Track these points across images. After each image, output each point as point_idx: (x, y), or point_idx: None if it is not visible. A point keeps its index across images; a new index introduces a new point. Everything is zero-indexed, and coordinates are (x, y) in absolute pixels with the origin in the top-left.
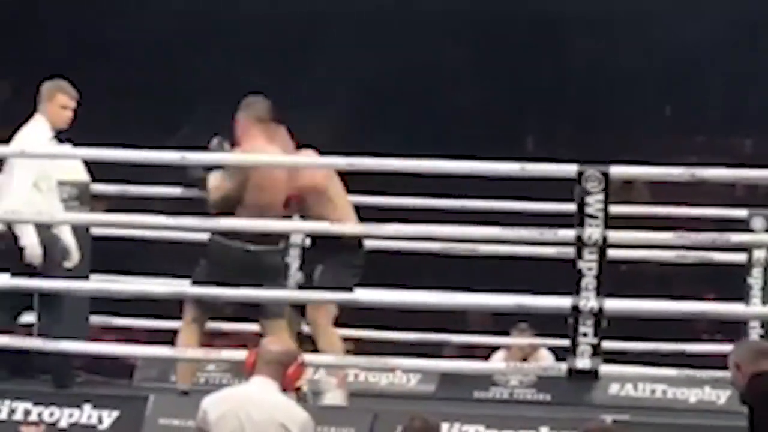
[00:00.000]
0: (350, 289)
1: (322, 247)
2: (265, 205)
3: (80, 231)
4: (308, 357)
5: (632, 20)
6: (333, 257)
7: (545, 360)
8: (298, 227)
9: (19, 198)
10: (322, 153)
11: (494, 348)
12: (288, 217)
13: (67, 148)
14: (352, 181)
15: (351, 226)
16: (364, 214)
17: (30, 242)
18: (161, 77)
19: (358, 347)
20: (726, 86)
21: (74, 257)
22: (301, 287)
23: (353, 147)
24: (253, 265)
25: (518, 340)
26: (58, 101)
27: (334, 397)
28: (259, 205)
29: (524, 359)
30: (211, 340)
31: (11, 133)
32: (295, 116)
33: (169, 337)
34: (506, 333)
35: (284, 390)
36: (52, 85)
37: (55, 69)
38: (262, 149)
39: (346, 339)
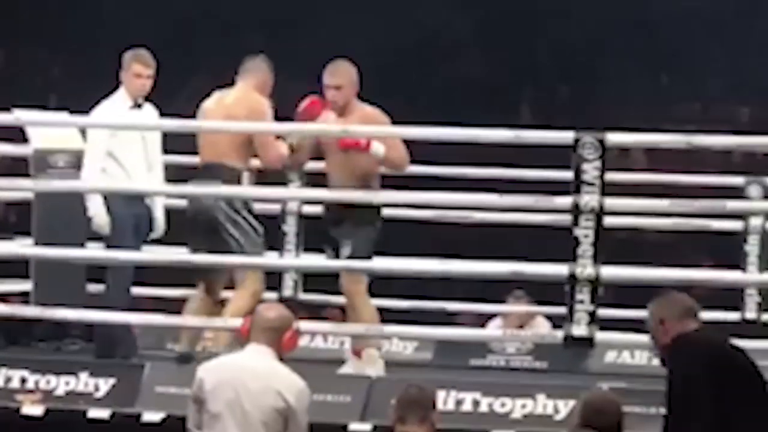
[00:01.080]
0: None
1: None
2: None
3: (76, 199)
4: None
5: None
6: (363, 228)
7: (542, 327)
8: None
9: (89, 170)
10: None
11: (490, 316)
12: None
13: (64, 116)
14: None
15: (353, 194)
16: None
17: (96, 211)
18: (159, 39)
19: None
20: (724, 54)
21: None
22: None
23: None
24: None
25: (514, 307)
26: (132, 70)
27: (350, 366)
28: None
29: (521, 327)
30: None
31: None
32: (295, 83)
33: (164, 305)
34: (501, 301)
35: (280, 357)
36: (128, 54)
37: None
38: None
39: (339, 307)
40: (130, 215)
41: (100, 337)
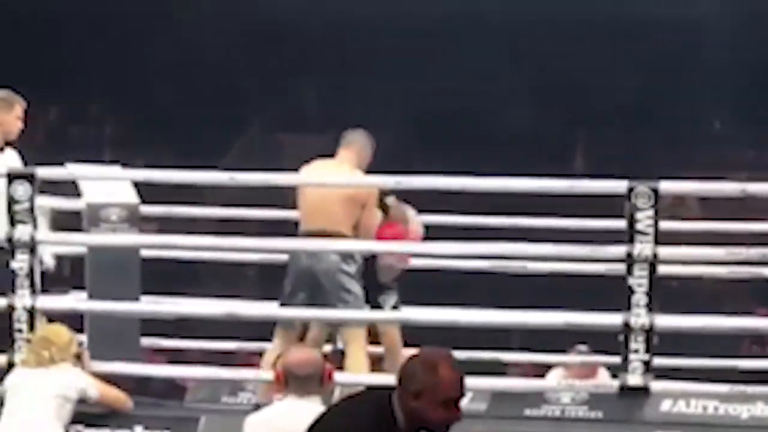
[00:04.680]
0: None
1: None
2: None
3: (129, 253)
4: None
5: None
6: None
7: (605, 381)
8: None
9: None
10: (373, 172)
11: (548, 366)
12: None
13: (117, 170)
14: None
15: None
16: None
17: None
18: (213, 96)
19: None
20: None
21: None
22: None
23: (402, 167)
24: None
25: (571, 357)
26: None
27: None
28: None
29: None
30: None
31: None
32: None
33: (219, 358)
34: (559, 351)
35: (326, 399)
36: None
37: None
38: None
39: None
40: None
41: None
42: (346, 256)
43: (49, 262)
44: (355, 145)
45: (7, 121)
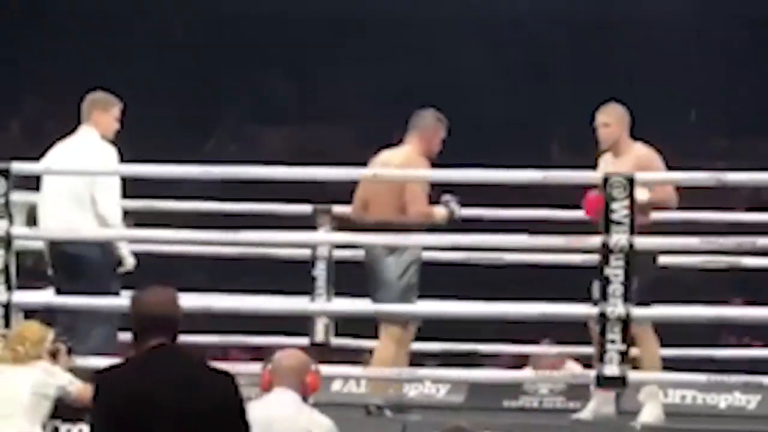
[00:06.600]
0: None
1: None
2: None
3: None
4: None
5: (658, 26)
6: None
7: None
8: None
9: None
10: (346, 163)
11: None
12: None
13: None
14: None
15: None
16: None
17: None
18: (186, 88)
19: None
20: (751, 89)
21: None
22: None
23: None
24: None
25: (545, 349)
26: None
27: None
28: None
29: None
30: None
31: None
32: (319, 126)
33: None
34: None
35: (304, 399)
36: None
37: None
38: None
39: (370, 351)
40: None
41: None
42: (392, 247)
43: (130, 262)
44: (415, 129)
45: (105, 122)
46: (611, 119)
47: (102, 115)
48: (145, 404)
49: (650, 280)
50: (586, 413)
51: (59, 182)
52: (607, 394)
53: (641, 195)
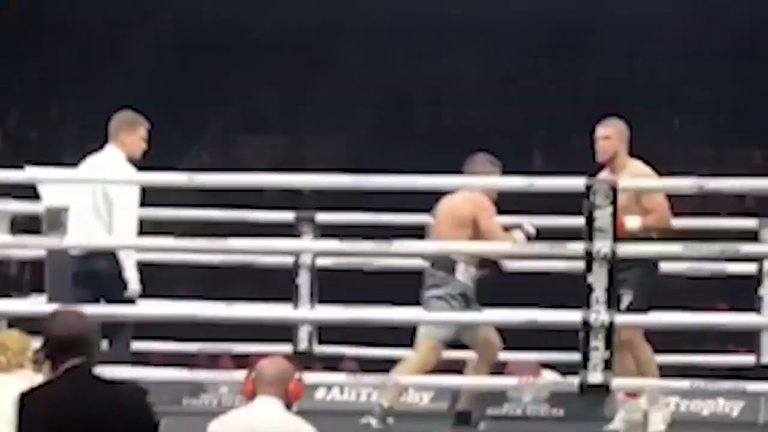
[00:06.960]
0: None
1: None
2: None
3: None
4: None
5: (641, 32)
6: None
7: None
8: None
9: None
10: (335, 171)
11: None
12: None
13: (69, 173)
14: (361, 199)
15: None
16: (373, 232)
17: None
18: (169, 97)
19: (366, 366)
20: (735, 97)
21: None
22: None
23: (363, 165)
24: None
25: (522, 356)
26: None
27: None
28: None
29: None
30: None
31: None
32: (308, 135)
33: (182, 360)
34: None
35: (288, 407)
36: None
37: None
38: None
39: (355, 358)
40: None
41: None
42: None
43: (133, 288)
44: (477, 170)
45: (131, 142)
46: (612, 132)
47: (128, 136)
48: (64, 426)
49: (650, 288)
50: (616, 423)
51: (83, 200)
52: (635, 402)
53: (634, 223)
